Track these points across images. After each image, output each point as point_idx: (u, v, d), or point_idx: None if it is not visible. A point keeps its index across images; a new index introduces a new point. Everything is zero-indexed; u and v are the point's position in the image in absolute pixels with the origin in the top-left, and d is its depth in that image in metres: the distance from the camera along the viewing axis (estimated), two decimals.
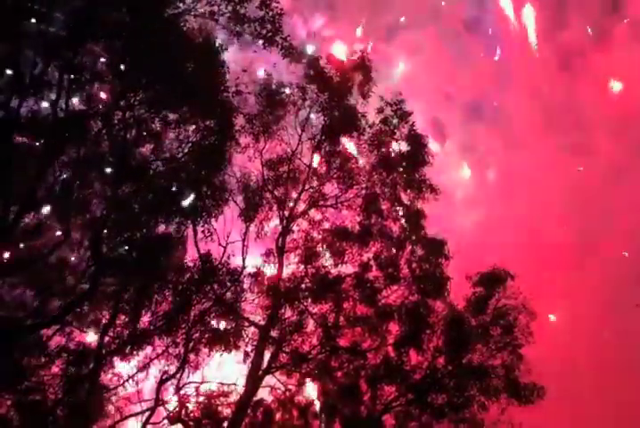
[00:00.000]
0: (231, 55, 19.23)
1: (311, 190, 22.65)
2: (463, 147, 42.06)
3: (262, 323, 20.95)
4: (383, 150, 22.58)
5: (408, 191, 22.56)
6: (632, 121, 40.06)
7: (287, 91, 21.95)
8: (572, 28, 42.23)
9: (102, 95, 17.56)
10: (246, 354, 20.42)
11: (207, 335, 20.05)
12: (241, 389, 19.95)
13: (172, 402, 19.76)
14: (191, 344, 19.86)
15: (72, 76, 16.58)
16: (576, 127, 42.32)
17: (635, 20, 41.98)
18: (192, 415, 19.53)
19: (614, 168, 41.03)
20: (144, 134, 18.27)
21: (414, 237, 22.31)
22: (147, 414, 19.17)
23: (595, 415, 34.52)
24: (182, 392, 19.76)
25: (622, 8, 42.72)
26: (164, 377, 19.62)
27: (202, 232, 19.76)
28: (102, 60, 17.32)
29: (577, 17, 42.07)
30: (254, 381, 20.00)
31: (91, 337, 18.82)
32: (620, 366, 36.86)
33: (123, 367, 19.29)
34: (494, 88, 42.80)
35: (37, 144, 16.86)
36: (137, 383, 19.46)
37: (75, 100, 16.94)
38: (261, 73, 21.53)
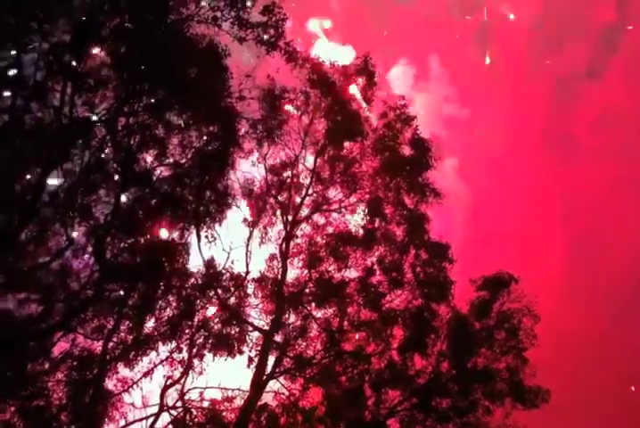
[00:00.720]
0: (234, 61, 19.22)
1: (315, 195, 22.63)
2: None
3: (266, 328, 20.93)
4: (387, 154, 22.54)
5: (412, 195, 22.53)
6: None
7: (290, 96, 21.90)
8: (567, 55, 42.69)
9: (106, 102, 17.54)
10: (250, 359, 20.39)
11: (211, 341, 20.04)
12: (245, 394, 19.92)
13: (176, 408, 19.70)
14: (195, 349, 19.88)
15: (76, 82, 16.61)
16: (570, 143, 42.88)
17: (628, 49, 42.44)
18: (196, 420, 19.48)
19: (608, 183, 41.39)
20: (148, 139, 18.28)
21: (417, 241, 22.27)
22: (151, 419, 19.19)
23: (598, 419, 34.56)
24: (186, 398, 19.73)
25: (617, 39, 43.40)
26: (168, 383, 19.63)
27: (206, 237, 19.74)
28: (106, 66, 17.34)
29: (572, 45, 42.56)
30: (258, 386, 19.97)
31: (95, 343, 18.80)
32: (624, 370, 36.87)
33: (127, 373, 19.30)
34: (491, 106, 43.03)
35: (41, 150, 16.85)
36: (141, 389, 19.45)
37: (79, 106, 16.96)
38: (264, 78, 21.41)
